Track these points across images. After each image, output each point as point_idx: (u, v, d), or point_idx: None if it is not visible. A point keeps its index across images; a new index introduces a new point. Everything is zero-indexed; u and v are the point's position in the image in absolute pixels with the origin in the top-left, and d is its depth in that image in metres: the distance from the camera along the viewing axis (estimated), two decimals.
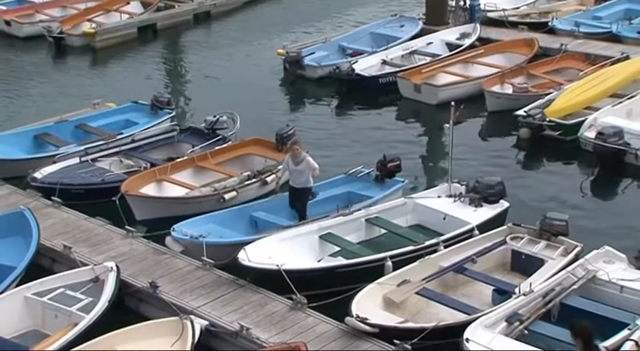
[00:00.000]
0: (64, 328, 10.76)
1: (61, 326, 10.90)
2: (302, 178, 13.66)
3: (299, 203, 13.80)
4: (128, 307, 11.98)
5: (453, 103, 13.85)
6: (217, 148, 16.15)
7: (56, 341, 10.44)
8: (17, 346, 10.56)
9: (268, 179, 14.90)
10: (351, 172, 15.14)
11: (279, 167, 14.96)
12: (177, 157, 16.01)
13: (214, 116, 16.86)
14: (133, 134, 16.70)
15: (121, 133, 16.85)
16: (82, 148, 16.04)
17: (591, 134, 16.71)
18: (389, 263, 12.25)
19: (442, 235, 13.06)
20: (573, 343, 10.46)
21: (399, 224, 13.67)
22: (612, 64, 20.06)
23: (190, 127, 17.28)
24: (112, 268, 11.86)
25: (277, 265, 11.78)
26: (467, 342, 10.38)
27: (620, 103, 17.91)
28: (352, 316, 10.87)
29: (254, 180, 14.90)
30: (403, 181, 14.85)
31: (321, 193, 14.56)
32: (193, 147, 16.25)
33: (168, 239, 13.06)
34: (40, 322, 11.27)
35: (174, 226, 13.16)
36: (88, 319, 10.83)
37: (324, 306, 11.39)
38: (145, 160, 15.84)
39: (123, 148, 16.16)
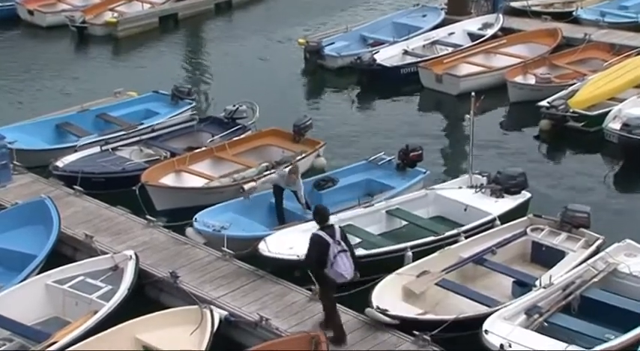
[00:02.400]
0: (85, 316, 10.85)
1: (81, 314, 10.98)
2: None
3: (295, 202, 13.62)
4: (148, 296, 12.03)
5: (473, 94, 13.77)
6: (235, 138, 16.18)
7: (77, 328, 10.52)
8: (39, 332, 10.64)
9: (286, 170, 14.89)
10: (372, 159, 15.10)
11: (298, 157, 15.09)
12: (197, 147, 16.05)
13: (234, 105, 16.87)
14: (153, 124, 16.75)
15: (142, 123, 16.88)
16: (103, 138, 16.11)
17: (616, 125, 16.54)
18: (409, 253, 12.21)
19: (463, 226, 12.99)
20: (594, 336, 10.47)
21: (420, 216, 13.62)
22: (638, 54, 19.83)
23: (210, 117, 17.33)
24: (131, 256, 11.92)
25: (298, 256, 11.77)
26: (486, 334, 10.33)
27: None
28: (372, 307, 10.86)
29: (272, 170, 14.90)
30: (425, 172, 14.78)
31: (341, 180, 14.55)
32: (213, 136, 16.28)
33: (189, 230, 13.09)
34: (61, 309, 11.37)
35: (196, 216, 13.19)
36: (108, 307, 10.91)
37: (343, 297, 11.35)
38: (165, 150, 15.89)
39: (143, 137, 16.22)
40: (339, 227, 10.58)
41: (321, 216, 10.54)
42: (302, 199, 13.52)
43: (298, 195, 13.52)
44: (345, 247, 10.30)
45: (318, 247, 10.29)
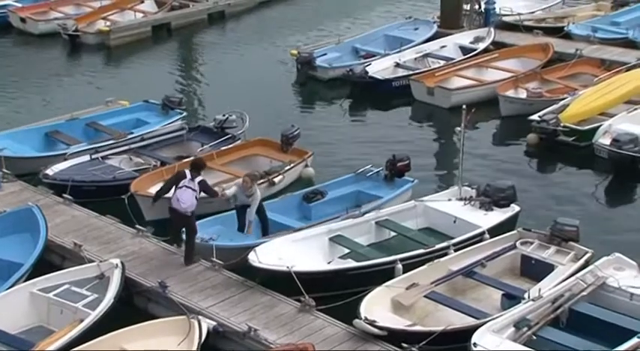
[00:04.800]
0: (70, 325, 10.76)
1: (66, 322, 10.90)
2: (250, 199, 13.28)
3: (259, 217, 13.40)
4: (137, 306, 11.97)
5: (464, 107, 13.80)
6: (223, 148, 16.17)
7: (62, 337, 10.44)
8: (23, 341, 10.56)
9: (276, 180, 14.90)
10: (360, 171, 15.13)
11: (286, 168, 15.09)
12: (187, 156, 16.00)
13: (223, 115, 16.87)
14: (142, 133, 16.69)
15: (132, 133, 16.85)
16: (93, 146, 16.07)
17: (606, 141, 16.58)
18: (399, 266, 12.20)
19: (452, 238, 12.99)
20: None
21: (409, 227, 13.61)
22: (628, 70, 19.91)
23: (199, 126, 17.33)
24: (117, 265, 11.84)
25: (288, 267, 11.74)
26: (474, 346, 10.30)
27: (636, 109, 17.76)
28: (361, 319, 10.83)
29: (262, 181, 14.83)
30: (413, 181, 14.84)
31: (330, 192, 14.58)
32: (203, 145, 16.28)
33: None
34: (46, 318, 11.28)
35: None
36: (93, 316, 10.84)
37: (332, 308, 11.34)
38: (155, 158, 15.87)
39: (133, 146, 16.18)
40: (204, 180, 12.59)
41: (194, 165, 12.75)
42: (251, 214, 13.14)
43: (250, 209, 13.12)
44: (195, 188, 12.32)
45: (175, 175, 12.82)
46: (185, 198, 12.27)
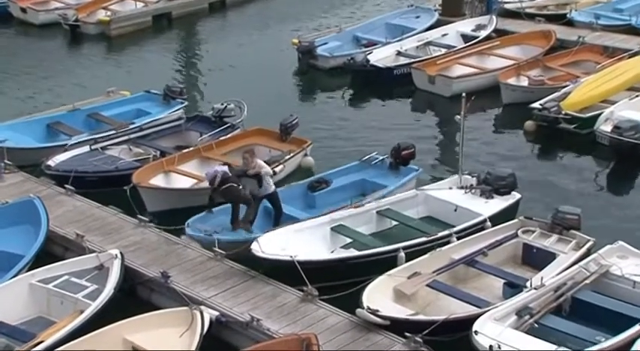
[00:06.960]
0: (70, 315, 10.78)
1: (66, 313, 10.92)
2: (261, 188, 13.36)
3: (274, 207, 13.53)
4: (140, 296, 11.98)
5: (463, 95, 13.78)
6: (222, 138, 16.15)
7: (63, 328, 10.46)
8: (23, 332, 10.57)
9: (277, 169, 14.89)
10: (365, 158, 15.10)
11: (286, 157, 15.12)
12: (186, 145, 16.04)
13: (222, 104, 16.84)
14: (141, 123, 16.68)
15: (133, 123, 16.83)
16: (94, 137, 16.06)
17: (607, 128, 16.54)
18: (402, 254, 12.21)
19: (453, 226, 12.98)
20: (584, 338, 10.47)
21: (410, 216, 13.60)
22: (630, 57, 19.86)
23: (197, 115, 17.31)
24: (116, 255, 11.84)
25: (291, 257, 11.74)
26: (476, 334, 10.30)
27: (638, 96, 17.72)
28: (363, 308, 10.84)
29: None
30: (418, 170, 14.81)
31: (334, 181, 14.56)
32: (202, 135, 16.25)
33: (184, 236, 13.03)
34: (46, 308, 11.30)
35: (189, 222, 13.12)
36: (94, 307, 10.85)
37: (334, 298, 11.34)
38: (154, 148, 15.85)
39: (132, 136, 16.17)
40: (226, 170, 13.42)
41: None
42: (268, 185, 13.32)
43: (271, 201, 13.39)
44: (225, 170, 13.32)
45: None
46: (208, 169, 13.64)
